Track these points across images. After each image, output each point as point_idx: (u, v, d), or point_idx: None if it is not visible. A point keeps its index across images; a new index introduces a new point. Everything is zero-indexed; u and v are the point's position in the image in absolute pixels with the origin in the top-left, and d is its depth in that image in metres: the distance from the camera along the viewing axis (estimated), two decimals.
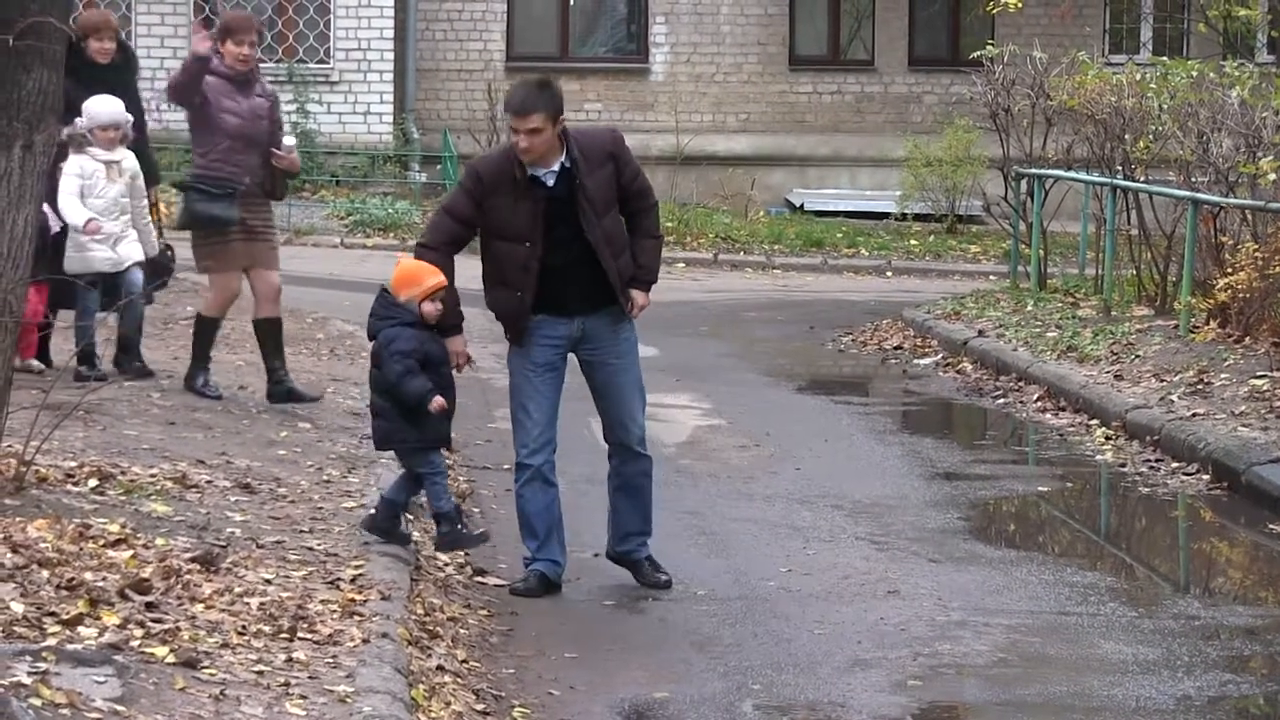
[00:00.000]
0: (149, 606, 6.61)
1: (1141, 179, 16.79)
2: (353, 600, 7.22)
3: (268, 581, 7.33)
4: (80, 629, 6.26)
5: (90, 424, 9.88)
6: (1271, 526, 10.11)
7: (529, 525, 8.51)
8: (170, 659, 6.14)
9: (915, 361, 15.87)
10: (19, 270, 7.61)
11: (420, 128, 25.36)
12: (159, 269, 11.60)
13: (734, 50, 26.40)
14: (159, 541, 7.57)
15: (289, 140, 11.03)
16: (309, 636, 6.68)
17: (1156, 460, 11.75)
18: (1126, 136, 16.78)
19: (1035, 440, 12.78)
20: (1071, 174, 17.95)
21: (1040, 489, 11.19)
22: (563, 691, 7.20)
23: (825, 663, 7.61)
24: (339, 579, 7.56)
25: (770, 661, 7.62)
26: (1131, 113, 16.75)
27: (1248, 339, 13.97)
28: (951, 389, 14.63)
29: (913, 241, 23.74)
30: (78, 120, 10.90)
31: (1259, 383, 12.61)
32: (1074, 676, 7.53)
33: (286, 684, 6.16)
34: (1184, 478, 11.31)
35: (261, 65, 27.85)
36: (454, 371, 8.40)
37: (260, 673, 6.21)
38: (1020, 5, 21.44)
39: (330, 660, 6.48)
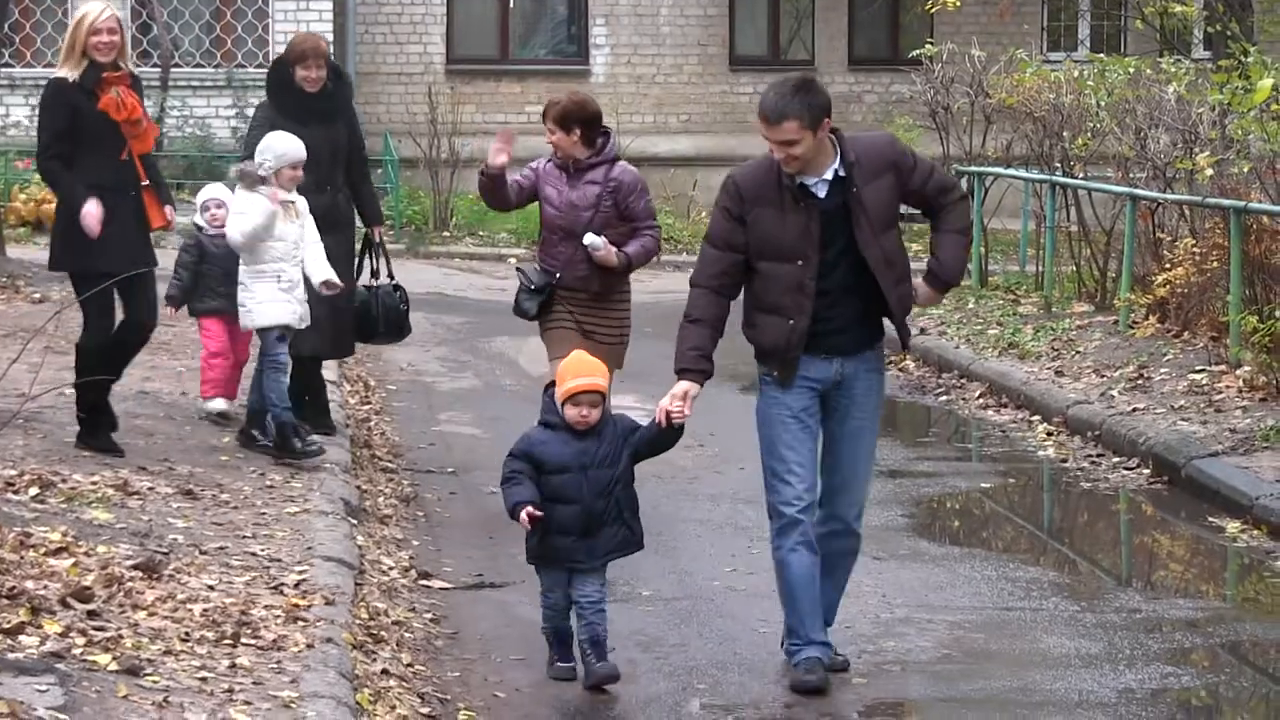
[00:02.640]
0: (91, 614, 6.58)
1: (1080, 176, 16.90)
2: (297, 605, 7.21)
3: (211, 588, 7.31)
4: (21, 638, 6.23)
5: (30, 432, 9.83)
6: (1211, 519, 10.18)
7: (794, 597, 7.30)
8: (113, 667, 6.11)
9: None
10: None
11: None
12: (397, 320, 10.92)
13: (674, 51, 26.43)
14: (101, 549, 7.54)
15: (587, 238, 9.59)
16: (253, 642, 6.67)
17: (1098, 455, 11.82)
18: (1065, 134, 16.88)
19: (977, 437, 12.83)
20: (1011, 171, 18.04)
21: (983, 485, 11.23)
22: (508, 694, 7.20)
23: (770, 661, 7.62)
24: (283, 584, 7.54)
25: (715, 661, 7.64)
26: (1070, 110, 16.85)
27: (1186, 334, 14.07)
28: (894, 387, 14.67)
29: None
30: (260, 159, 10.03)
31: (1198, 377, 12.70)
32: (1017, 671, 7.56)
33: (230, 690, 6.14)
34: (1125, 472, 11.38)
35: (199, 70, 27.51)
36: (667, 421, 7.13)
37: (204, 679, 6.19)
38: (959, 4, 21.54)
39: (274, 666, 6.46)
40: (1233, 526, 9.96)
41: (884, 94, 26.18)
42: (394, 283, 10.98)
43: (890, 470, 11.45)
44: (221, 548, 8.03)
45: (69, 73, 9.48)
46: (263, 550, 8.07)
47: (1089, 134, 16.52)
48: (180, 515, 8.56)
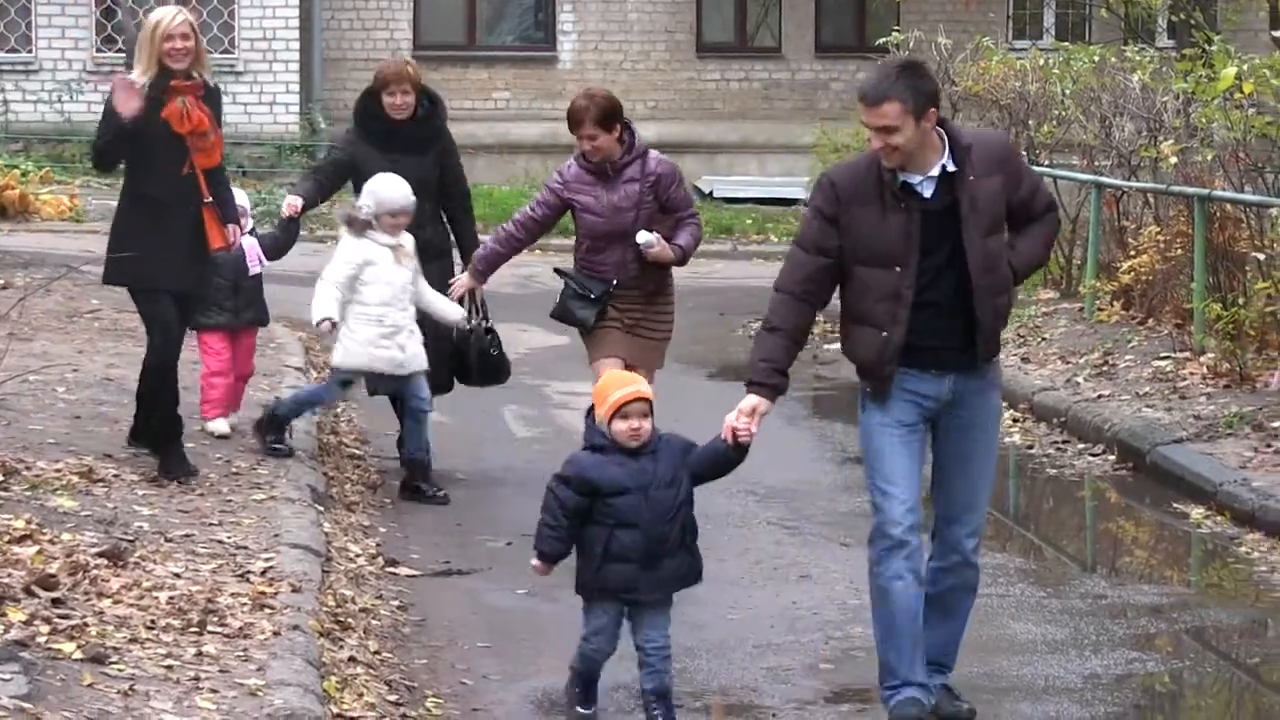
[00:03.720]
0: (55, 602, 6.56)
1: (1046, 163, 16.92)
2: (263, 593, 7.20)
3: (177, 575, 7.29)
4: None
5: None
6: (1175, 506, 10.22)
7: (895, 631, 6.58)
8: (78, 655, 6.10)
9: (825, 347, 15.92)
10: None
11: (327, 118, 25.25)
12: (489, 365, 10.20)
13: (641, 38, 26.41)
14: (65, 537, 7.51)
15: (641, 236, 9.12)
16: (219, 630, 6.66)
17: (1063, 442, 11.85)
18: (1030, 121, 16.90)
19: None
20: None
21: None
22: (475, 681, 7.20)
23: (738, 647, 7.63)
24: (249, 572, 7.53)
25: (684, 647, 7.63)
26: (1035, 98, 16.88)
27: (1151, 320, 14.12)
28: None
29: None
30: (361, 203, 9.77)
31: (1162, 364, 12.74)
32: (984, 657, 7.58)
33: (196, 678, 6.13)
34: (1090, 458, 11.41)
35: None
36: (732, 441, 6.55)
37: (169, 667, 6.18)
38: None
39: (241, 653, 6.46)
40: (1197, 513, 10.00)
41: (850, 81, 26.18)
42: (487, 325, 10.18)
43: (857, 457, 11.43)
44: (187, 535, 8.01)
45: (137, 76, 9.04)
46: (229, 537, 8.06)
47: (1054, 122, 16.55)
48: (146, 502, 8.54)
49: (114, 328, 13.45)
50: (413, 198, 9.79)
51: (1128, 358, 13.16)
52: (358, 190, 10.18)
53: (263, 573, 7.52)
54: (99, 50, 24.97)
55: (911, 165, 6.41)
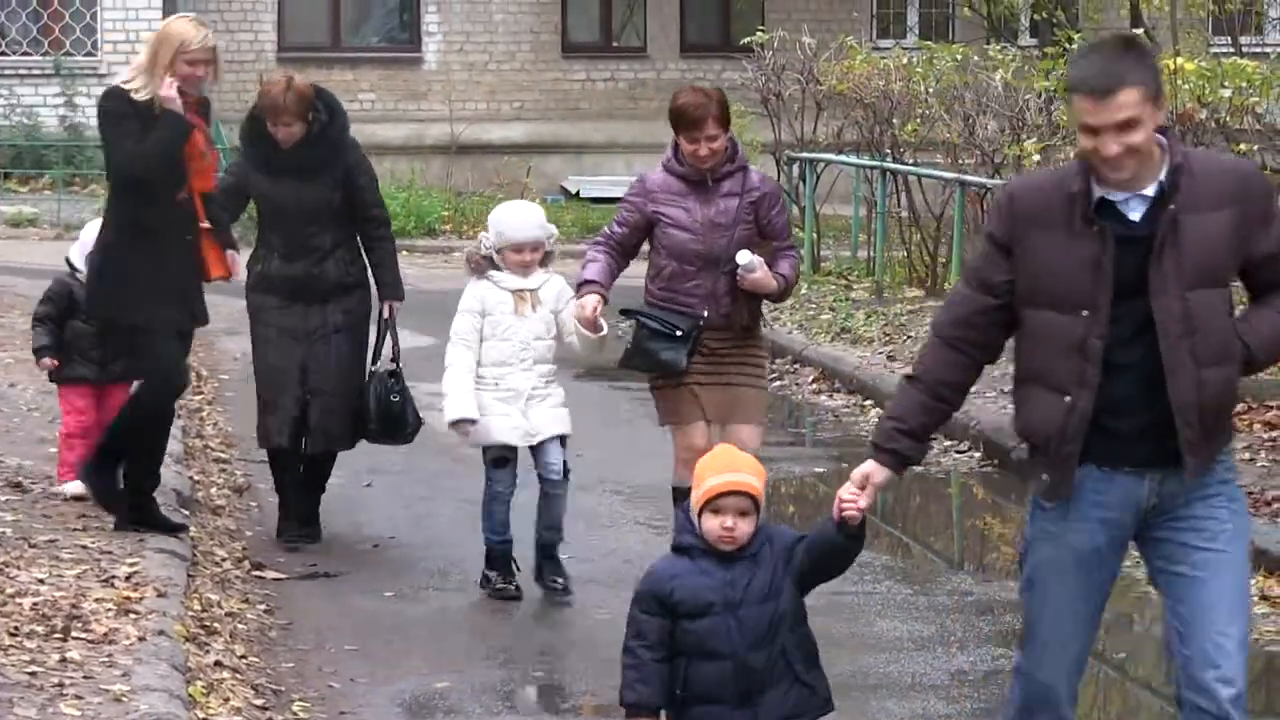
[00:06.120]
0: None
1: (910, 162, 17.09)
2: (128, 598, 7.13)
3: (40, 581, 7.22)
4: None
5: None
6: None
7: None
8: None
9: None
10: None
11: None
12: (389, 417, 8.85)
13: (507, 39, 26.38)
14: None
15: (743, 256, 7.84)
16: (84, 636, 6.59)
17: (929, 439, 11.94)
18: (895, 120, 17.06)
19: (811, 422, 12.93)
20: (842, 158, 18.20)
21: (817, 470, 11.32)
22: (343, 684, 7.16)
23: (606, 647, 7.59)
24: (114, 577, 7.45)
25: (552, 648, 7.65)
26: (899, 96, 17.04)
27: None
28: None
29: None
30: (482, 236, 8.36)
31: None
32: (851, 655, 7.63)
33: (61, 684, 6.07)
34: (956, 456, 11.52)
35: (26, 58, 27.12)
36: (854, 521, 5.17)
37: (33, 674, 6.12)
38: None
39: (106, 659, 6.39)
40: None
41: (716, 80, 26.22)
42: (394, 368, 9.00)
43: None
44: (51, 540, 7.93)
45: (136, 86, 8.09)
46: (93, 542, 7.97)
47: (918, 120, 16.72)
48: (9, 508, 8.43)
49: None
50: (541, 229, 8.32)
51: None
52: (260, 217, 9.27)
53: (127, 578, 7.45)
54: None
55: (1129, 178, 4.90)
